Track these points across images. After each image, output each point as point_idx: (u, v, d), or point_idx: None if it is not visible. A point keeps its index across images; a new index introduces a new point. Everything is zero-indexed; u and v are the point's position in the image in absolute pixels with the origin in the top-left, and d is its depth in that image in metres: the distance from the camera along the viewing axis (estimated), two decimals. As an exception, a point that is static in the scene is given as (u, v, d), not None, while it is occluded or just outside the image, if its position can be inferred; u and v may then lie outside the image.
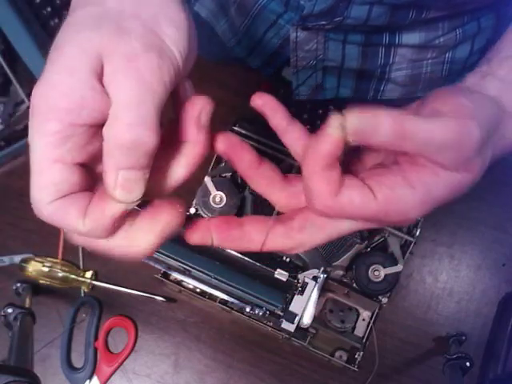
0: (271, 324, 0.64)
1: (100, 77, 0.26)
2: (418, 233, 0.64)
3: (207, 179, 0.66)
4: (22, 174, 0.72)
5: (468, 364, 0.60)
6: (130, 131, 0.25)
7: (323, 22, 0.54)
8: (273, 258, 0.63)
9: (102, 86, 0.26)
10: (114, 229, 0.28)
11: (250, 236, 0.32)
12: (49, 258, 0.70)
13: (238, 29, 0.66)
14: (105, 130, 0.25)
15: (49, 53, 0.27)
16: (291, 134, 0.32)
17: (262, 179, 0.33)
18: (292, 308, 0.58)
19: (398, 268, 0.64)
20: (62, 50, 0.26)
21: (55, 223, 0.27)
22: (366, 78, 0.67)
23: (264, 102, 0.32)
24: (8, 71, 0.70)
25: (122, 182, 0.26)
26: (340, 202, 0.28)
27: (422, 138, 0.27)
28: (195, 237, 0.32)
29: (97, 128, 0.27)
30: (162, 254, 0.61)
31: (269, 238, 0.32)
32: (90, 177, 0.29)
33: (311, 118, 0.69)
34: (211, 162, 0.67)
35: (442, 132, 0.27)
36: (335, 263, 0.65)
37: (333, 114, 0.27)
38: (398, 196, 0.29)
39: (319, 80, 0.66)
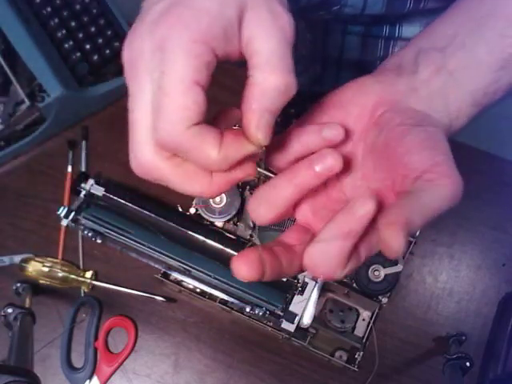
0: (271, 324, 0.64)
1: (241, 22, 0.27)
2: (417, 233, 0.64)
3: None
4: (22, 174, 0.72)
5: (468, 364, 0.60)
6: (282, 76, 0.27)
7: (321, 12, 0.55)
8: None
9: (239, 31, 0.27)
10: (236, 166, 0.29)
11: (282, 264, 0.31)
12: (49, 258, 0.70)
13: None
14: (257, 74, 0.28)
15: None
16: None
17: None
18: (292, 308, 0.58)
19: (398, 268, 0.64)
20: None
21: (186, 149, 0.27)
22: (365, 70, 0.67)
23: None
24: (8, 71, 0.70)
25: (264, 124, 0.28)
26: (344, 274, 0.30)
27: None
28: (248, 269, 0.29)
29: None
30: (162, 253, 0.61)
31: (292, 264, 0.32)
32: None
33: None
34: (211, 162, 0.67)
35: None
36: (335, 263, 0.65)
37: None
38: (372, 252, 0.31)
39: (318, 71, 0.66)
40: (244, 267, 0.29)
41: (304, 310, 0.59)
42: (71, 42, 0.71)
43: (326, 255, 0.29)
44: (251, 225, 0.66)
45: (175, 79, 0.26)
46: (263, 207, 0.31)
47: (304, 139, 0.32)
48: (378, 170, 0.32)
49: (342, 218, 0.29)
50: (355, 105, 0.34)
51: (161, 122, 0.27)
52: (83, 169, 0.72)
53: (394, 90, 0.33)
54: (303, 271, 0.31)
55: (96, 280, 0.70)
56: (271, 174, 0.62)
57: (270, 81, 0.27)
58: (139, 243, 0.61)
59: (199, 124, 0.27)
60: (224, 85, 0.75)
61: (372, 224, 0.30)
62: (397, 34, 0.61)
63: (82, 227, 0.62)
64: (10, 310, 0.59)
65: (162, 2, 0.27)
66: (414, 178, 0.30)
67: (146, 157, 0.28)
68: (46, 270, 0.68)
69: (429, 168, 0.30)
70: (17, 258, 0.70)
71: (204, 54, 0.26)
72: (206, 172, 0.29)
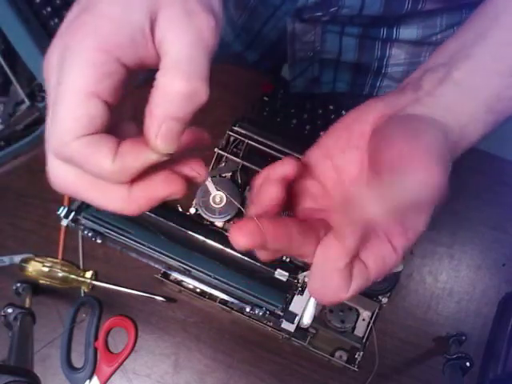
0: (271, 324, 0.64)
1: (153, 25, 0.26)
2: (418, 233, 0.64)
3: (207, 179, 0.66)
4: (22, 174, 0.72)
5: (468, 364, 0.60)
6: (189, 81, 0.25)
7: (319, 14, 0.55)
8: (273, 258, 0.63)
9: (152, 35, 0.26)
10: (137, 177, 0.27)
11: (292, 236, 0.30)
12: (49, 258, 0.70)
13: (236, 22, 0.66)
14: (161, 77, 0.25)
15: None
16: None
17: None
18: (292, 308, 0.58)
19: (398, 268, 0.64)
20: None
21: (78, 159, 0.26)
22: (362, 72, 0.67)
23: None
24: (8, 71, 0.70)
25: (165, 131, 0.26)
26: (351, 293, 0.31)
27: None
28: (244, 239, 0.28)
29: (127, 75, 0.26)
30: (162, 253, 0.61)
31: (306, 241, 0.31)
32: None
33: (311, 117, 0.69)
34: (211, 162, 0.67)
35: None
36: (335, 263, 0.65)
37: None
38: (386, 263, 0.32)
39: (316, 73, 0.66)
40: (241, 235, 0.28)
41: (304, 310, 0.59)
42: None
43: (323, 282, 0.30)
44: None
45: (68, 89, 0.25)
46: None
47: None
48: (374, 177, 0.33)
49: (328, 242, 0.29)
50: (358, 122, 0.34)
51: (52, 132, 0.26)
52: (83, 169, 0.72)
53: (396, 104, 0.33)
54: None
55: (96, 280, 0.70)
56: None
57: (173, 85, 0.25)
58: (139, 243, 0.61)
59: (94, 134, 0.26)
60: (228, 85, 0.75)
61: (376, 235, 0.30)
62: (394, 36, 0.61)
63: (82, 227, 0.62)
64: (10, 310, 0.59)
65: (75, 8, 0.26)
66: (389, 168, 0.29)
67: (53, 169, 0.28)
68: (46, 270, 0.68)
69: (406, 155, 0.29)
70: (17, 258, 0.70)
71: (105, 63, 0.25)
72: (120, 187, 0.28)
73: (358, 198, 0.28)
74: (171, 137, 0.26)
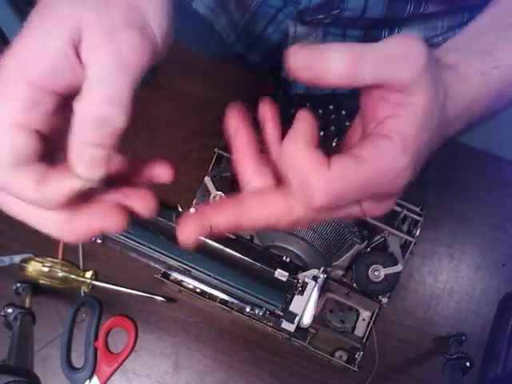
0: (271, 324, 0.64)
1: (77, 49, 0.25)
2: (417, 233, 0.64)
3: (207, 179, 0.66)
4: (22, 174, 0.73)
5: (468, 364, 0.60)
6: (100, 107, 0.25)
7: (321, 16, 0.54)
8: (273, 258, 0.63)
9: (79, 58, 0.25)
10: (65, 204, 0.27)
11: (245, 205, 0.29)
12: (49, 258, 0.70)
13: (237, 24, 0.66)
14: (76, 102, 0.25)
15: (36, 7, 0.26)
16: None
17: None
18: (292, 308, 0.58)
19: (398, 268, 0.64)
20: (43, 17, 0.25)
21: (4, 187, 0.26)
22: None
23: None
24: (8, 71, 0.70)
25: (86, 158, 0.26)
26: (334, 177, 0.27)
27: (374, 64, 0.27)
28: (190, 229, 0.28)
29: (65, 100, 0.26)
30: (162, 253, 0.61)
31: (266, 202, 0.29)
32: (50, 150, 0.28)
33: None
34: (211, 162, 0.67)
35: (392, 49, 0.28)
36: (335, 263, 0.65)
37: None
38: (381, 150, 0.28)
39: None
40: (184, 231, 0.28)
41: (304, 310, 0.59)
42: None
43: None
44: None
45: None
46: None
47: None
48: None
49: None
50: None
51: None
52: (83, 169, 0.72)
53: None
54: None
55: (96, 280, 0.70)
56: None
57: (85, 111, 0.25)
58: (139, 243, 0.61)
59: (20, 165, 0.26)
60: (227, 85, 0.75)
61: None
62: None
63: (82, 227, 0.62)
64: (10, 310, 0.59)
65: None
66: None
67: None
68: (46, 270, 0.68)
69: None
70: (17, 258, 0.70)
71: (29, 95, 0.25)
72: (55, 214, 0.28)
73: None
74: (93, 162, 0.26)
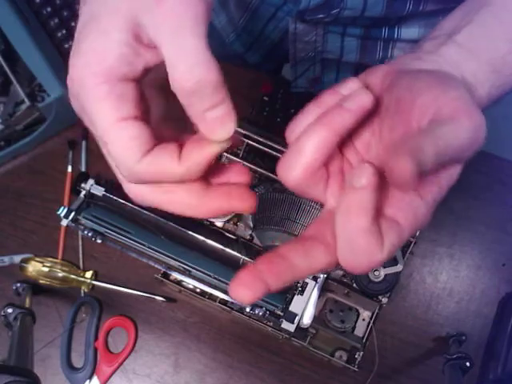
0: (271, 324, 0.64)
1: (138, 33, 0.26)
2: (417, 233, 0.64)
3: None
4: (22, 174, 0.72)
5: (468, 364, 0.60)
6: (189, 76, 0.25)
7: (321, 15, 0.54)
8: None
9: (141, 42, 0.27)
10: (207, 170, 0.28)
11: (294, 264, 0.28)
12: (49, 258, 0.70)
13: (237, 23, 0.66)
14: (170, 82, 0.26)
15: (78, 27, 0.28)
16: None
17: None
18: (292, 308, 0.58)
19: (398, 268, 0.64)
20: (97, 19, 0.27)
21: (151, 176, 0.27)
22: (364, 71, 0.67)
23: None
24: (8, 71, 0.70)
25: (212, 121, 0.27)
26: (384, 258, 0.27)
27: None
28: (247, 291, 0.27)
29: (140, 83, 0.28)
30: (162, 253, 0.61)
31: (312, 259, 0.29)
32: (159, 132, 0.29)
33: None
34: (211, 162, 0.67)
35: (458, 137, 0.26)
36: (335, 263, 0.65)
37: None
38: (418, 217, 0.28)
39: (317, 73, 0.65)
40: (242, 292, 0.27)
41: (304, 310, 0.59)
42: (71, 42, 0.71)
43: (352, 249, 0.27)
44: (251, 225, 0.66)
45: (104, 128, 0.27)
46: (296, 162, 0.28)
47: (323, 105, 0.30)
48: (395, 129, 0.30)
49: (348, 196, 0.27)
50: (365, 85, 0.32)
51: (117, 166, 0.28)
52: (83, 169, 0.72)
53: (398, 62, 0.33)
54: (337, 265, 0.29)
55: (96, 280, 0.70)
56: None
57: (180, 87, 0.26)
58: (139, 243, 0.61)
59: (149, 151, 0.27)
60: (227, 85, 0.75)
61: (402, 186, 0.26)
62: (396, 36, 0.61)
63: (82, 227, 0.62)
64: (10, 310, 0.59)
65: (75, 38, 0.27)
66: (429, 121, 0.28)
67: (130, 191, 0.29)
68: (46, 269, 0.68)
69: (442, 105, 0.27)
70: (17, 258, 0.70)
71: (112, 90, 0.26)
72: (197, 194, 0.29)
73: (411, 145, 0.25)
74: (220, 122, 0.27)
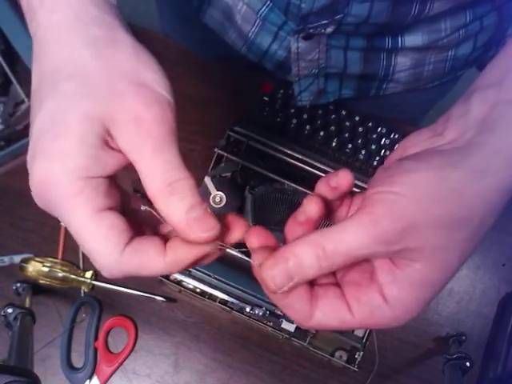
0: (271, 324, 0.64)
1: (106, 138, 0.28)
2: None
3: (207, 179, 0.66)
4: (22, 174, 0.72)
5: (468, 364, 0.60)
6: (164, 183, 0.27)
7: (324, 22, 0.54)
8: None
9: (109, 145, 0.28)
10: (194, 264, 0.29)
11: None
12: (49, 258, 0.70)
13: (247, 36, 0.66)
14: (147, 192, 0.28)
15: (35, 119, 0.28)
16: None
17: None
18: (292, 308, 0.58)
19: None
20: (65, 120, 0.27)
21: (134, 269, 0.28)
22: (368, 79, 0.67)
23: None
24: (8, 71, 0.70)
25: (192, 221, 0.28)
26: (317, 324, 0.30)
27: (343, 251, 0.27)
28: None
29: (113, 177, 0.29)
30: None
31: None
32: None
33: (311, 118, 0.69)
34: (211, 162, 0.67)
35: (354, 238, 0.27)
36: (335, 263, 0.65)
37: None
38: (375, 315, 0.29)
39: (321, 86, 0.65)
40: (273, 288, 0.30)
41: (304, 310, 0.59)
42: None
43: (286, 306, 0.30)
44: (251, 225, 0.66)
45: (78, 223, 0.28)
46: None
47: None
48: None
49: None
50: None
51: (94, 262, 0.28)
52: (83, 169, 0.72)
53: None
54: None
55: (96, 280, 0.70)
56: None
57: (159, 195, 0.28)
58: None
59: (130, 242, 0.28)
60: (228, 85, 0.75)
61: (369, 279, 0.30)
62: (400, 45, 0.60)
63: (82, 227, 0.62)
64: (10, 310, 0.59)
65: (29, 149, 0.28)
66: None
67: (110, 277, 0.29)
68: (46, 269, 0.68)
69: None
70: (17, 258, 0.70)
71: (85, 185, 0.27)
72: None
73: None
74: (200, 222, 0.28)
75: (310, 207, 0.31)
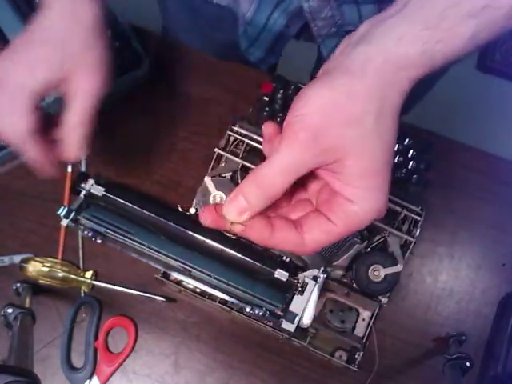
0: (271, 324, 0.64)
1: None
2: (417, 233, 0.64)
3: (207, 179, 0.66)
4: (22, 173, 0.72)
5: (468, 364, 0.60)
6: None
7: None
8: (273, 258, 0.63)
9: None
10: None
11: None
12: (49, 258, 0.70)
13: (244, 15, 0.66)
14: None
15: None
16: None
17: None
18: (292, 308, 0.58)
19: (398, 268, 0.64)
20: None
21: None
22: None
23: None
24: (8, 71, 0.70)
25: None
26: (312, 244, 0.35)
27: (278, 172, 0.33)
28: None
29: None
30: (162, 253, 0.61)
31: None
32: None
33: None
34: (211, 162, 0.67)
35: (282, 158, 0.33)
36: (335, 263, 0.65)
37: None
38: (351, 216, 0.33)
39: None
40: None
41: (304, 310, 0.59)
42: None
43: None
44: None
45: None
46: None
47: None
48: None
49: None
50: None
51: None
52: (83, 169, 0.72)
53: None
54: None
55: (96, 280, 0.70)
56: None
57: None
58: (139, 243, 0.61)
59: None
60: (228, 85, 0.75)
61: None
62: None
63: (82, 227, 0.62)
64: (10, 310, 0.59)
65: None
66: None
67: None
68: (46, 269, 0.68)
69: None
70: (17, 258, 0.70)
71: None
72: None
73: None
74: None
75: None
